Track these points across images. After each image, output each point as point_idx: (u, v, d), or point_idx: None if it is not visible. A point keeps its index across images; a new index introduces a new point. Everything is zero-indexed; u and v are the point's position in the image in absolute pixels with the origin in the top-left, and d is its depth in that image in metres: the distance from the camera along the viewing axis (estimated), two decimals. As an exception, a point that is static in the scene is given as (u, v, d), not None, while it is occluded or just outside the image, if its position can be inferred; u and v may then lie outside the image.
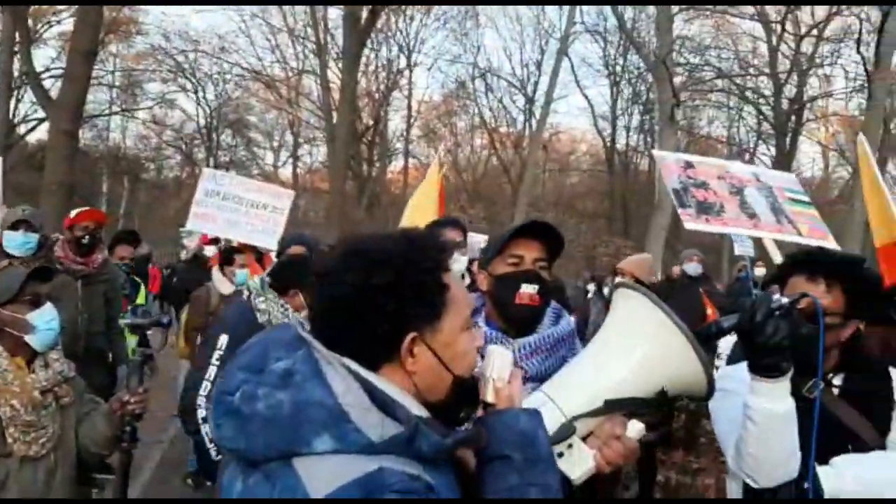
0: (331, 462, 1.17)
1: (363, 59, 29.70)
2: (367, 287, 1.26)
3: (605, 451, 1.67)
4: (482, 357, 1.51)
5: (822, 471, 2.06)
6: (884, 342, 4.63)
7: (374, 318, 1.27)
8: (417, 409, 1.28)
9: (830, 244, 4.55)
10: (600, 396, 1.68)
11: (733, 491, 2.29)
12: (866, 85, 17.61)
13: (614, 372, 1.71)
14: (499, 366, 1.48)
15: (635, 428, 1.71)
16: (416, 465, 1.21)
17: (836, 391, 2.23)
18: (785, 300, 1.92)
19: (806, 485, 2.04)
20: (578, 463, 1.67)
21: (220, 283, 6.01)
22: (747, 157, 33.07)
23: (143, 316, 3.18)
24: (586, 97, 37.23)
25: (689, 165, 4.61)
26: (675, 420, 6.76)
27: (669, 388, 1.72)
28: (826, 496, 2.04)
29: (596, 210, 36.71)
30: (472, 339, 1.41)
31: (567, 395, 1.70)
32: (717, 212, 4.36)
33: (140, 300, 6.29)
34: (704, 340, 1.91)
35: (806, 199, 4.88)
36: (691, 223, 4.28)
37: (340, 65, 27.20)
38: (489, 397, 1.45)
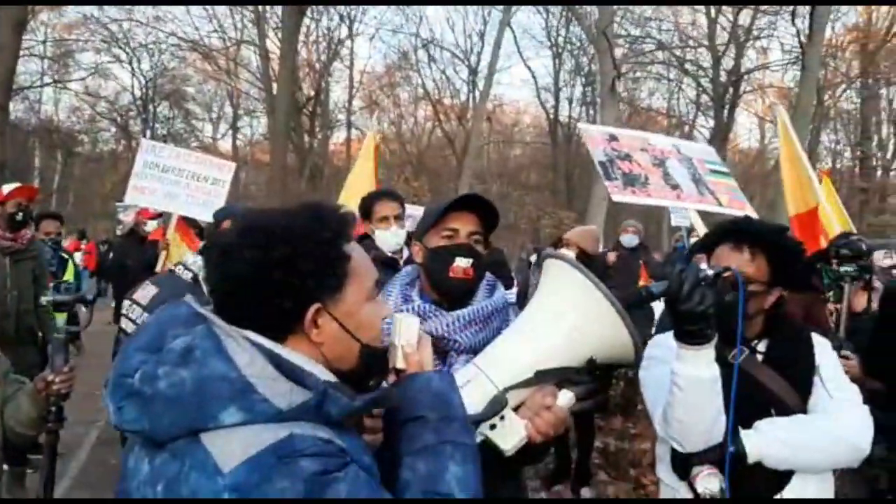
0: (240, 434, 1.16)
1: (303, 29, 29.17)
2: (265, 262, 1.25)
3: (537, 422, 1.70)
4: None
5: (745, 434, 2.11)
6: (805, 309, 4.79)
7: (273, 292, 1.26)
8: (326, 376, 1.28)
9: (749, 213, 4.66)
10: (531, 367, 1.70)
11: (661, 455, 2.32)
12: (800, 57, 17.98)
13: (544, 342, 1.73)
14: (406, 332, 1.49)
15: (566, 397, 1.74)
16: (327, 430, 1.22)
17: (759, 357, 2.28)
18: (710, 270, 1.95)
19: (731, 448, 2.08)
20: (510, 434, 1.69)
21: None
22: (687, 128, 33.67)
23: (66, 293, 3.07)
24: (529, 68, 37.48)
25: (613, 138, 4.67)
26: (612, 388, 6.92)
27: (598, 356, 1.74)
28: (749, 459, 2.09)
29: (540, 182, 36.97)
30: (378, 308, 1.42)
31: (498, 368, 1.72)
32: (643, 183, 4.43)
33: (68, 276, 6.12)
34: (634, 306, 1.94)
35: (725, 169, 5.01)
36: (618, 195, 4.34)
37: (280, 34, 26.63)
38: (399, 363, 1.46)
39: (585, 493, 5.53)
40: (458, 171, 27.89)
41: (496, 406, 1.65)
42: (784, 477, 2.14)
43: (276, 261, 1.25)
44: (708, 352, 1.98)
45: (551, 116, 36.29)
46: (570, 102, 36.71)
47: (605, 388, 5.17)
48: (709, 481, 2.07)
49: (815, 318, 4.92)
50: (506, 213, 25.44)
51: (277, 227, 1.30)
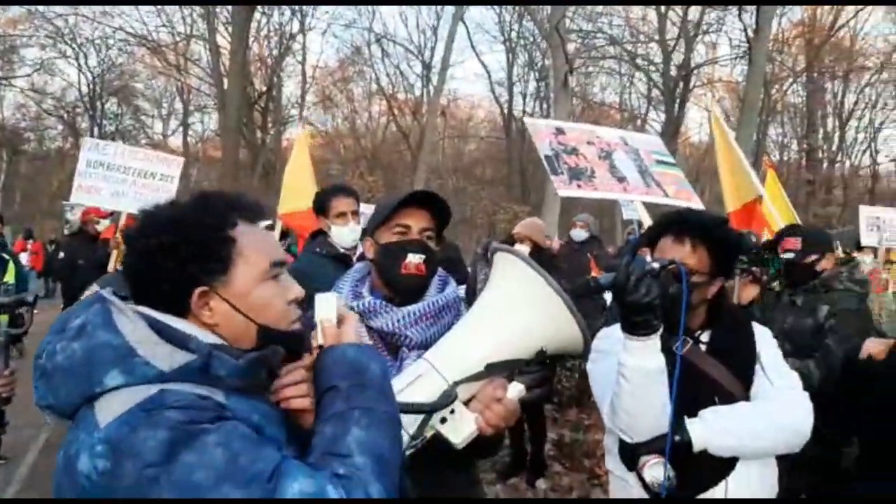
0: (121, 394, 1.23)
1: (254, 24, 28.85)
2: (151, 249, 1.34)
3: (487, 414, 1.72)
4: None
5: (690, 423, 2.14)
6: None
7: (160, 277, 1.35)
8: (212, 339, 1.35)
9: (695, 204, 4.72)
10: (482, 360, 1.72)
11: (610, 446, 2.35)
12: (748, 52, 18.32)
13: (494, 336, 1.75)
14: (323, 309, 1.50)
15: (516, 389, 1.76)
16: (212, 389, 1.28)
17: (703, 347, 2.31)
18: (656, 263, 1.98)
19: (676, 437, 2.11)
20: (461, 428, 1.70)
21: None
22: (639, 122, 34.09)
23: (5, 295, 2.99)
24: (483, 63, 37.44)
25: (559, 132, 4.65)
26: (567, 380, 6.99)
27: (548, 347, 1.76)
28: (695, 447, 2.12)
29: (495, 176, 37.10)
30: (278, 289, 1.45)
31: (449, 362, 1.73)
32: (589, 177, 4.43)
33: (8, 278, 5.95)
34: (581, 297, 1.96)
35: (671, 160, 5.02)
36: (564, 190, 4.33)
37: (230, 29, 26.26)
38: (319, 339, 1.48)
39: (541, 484, 5.58)
40: (414, 166, 27.82)
41: (446, 399, 1.66)
42: (728, 463, 2.18)
43: (161, 248, 1.33)
44: (654, 342, 2.01)
45: (505, 111, 36.46)
46: (524, 97, 37.00)
47: (552, 377, 5.20)
48: (655, 470, 2.10)
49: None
50: (461, 207, 25.49)
51: (164, 217, 1.38)
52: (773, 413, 2.19)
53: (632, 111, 36.15)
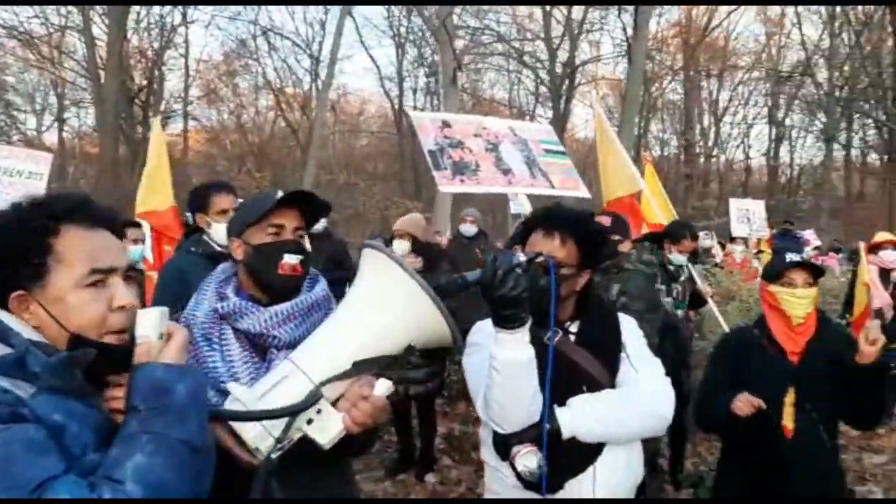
0: None
1: (132, 15, 27.70)
2: None
3: (353, 413, 1.71)
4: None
5: (560, 411, 2.21)
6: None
7: None
8: (34, 336, 1.41)
9: (581, 193, 4.79)
10: (348, 358, 1.71)
11: (485, 437, 2.39)
12: (627, 50, 18.98)
13: (362, 332, 1.74)
14: (143, 324, 1.49)
15: (383, 386, 1.75)
16: (21, 384, 1.32)
17: (572, 338, 2.38)
18: (523, 257, 2.02)
19: (546, 425, 2.17)
20: (328, 428, 1.69)
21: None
22: (527, 119, 34.75)
23: None
24: (372, 58, 37.39)
25: (445, 124, 4.58)
26: (456, 373, 7.05)
27: (416, 342, 1.77)
28: (564, 435, 2.19)
29: (387, 172, 37.00)
30: (97, 295, 1.47)
31: (314, 361, 1.71)
32: (473, 171, 4.39)
33: None
34: (450, 294, 1.98)
35: (560, 149, 5.04)
36: (446, 185, 4.28)
37: (107, 21, 25.11)
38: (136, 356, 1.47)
39: (430, 478, 5.61)
40: (303, 162, 27.40)
41: (310, 400, 1.64)
42: (596, 449, 2.26)
43: None
44: (523, 335, 2.05)
45: (396, 106, 36.41)
46: (415, 92, 37.02)
47: (441, 372, 5.23)
48: (527, 459, 2.15)
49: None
50: (352, 203, 25.28)
51: None
52: (637, 400, 2.28)
53: (520, 108, 36.80)
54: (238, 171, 29.10)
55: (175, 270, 3.66)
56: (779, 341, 3.07)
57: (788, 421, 2.96)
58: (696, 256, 6.89)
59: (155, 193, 6.50)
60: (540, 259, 2.13)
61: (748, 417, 2.98)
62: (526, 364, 2.08)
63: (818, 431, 2.97)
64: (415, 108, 35.96)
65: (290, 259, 2.01)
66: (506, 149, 4.73)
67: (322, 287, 2.13)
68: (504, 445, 2.23)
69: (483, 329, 2.33)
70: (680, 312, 5.38)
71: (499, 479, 2.34)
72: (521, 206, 9.59)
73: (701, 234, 12.33)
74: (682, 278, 5.44)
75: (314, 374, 1.68)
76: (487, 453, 2.38)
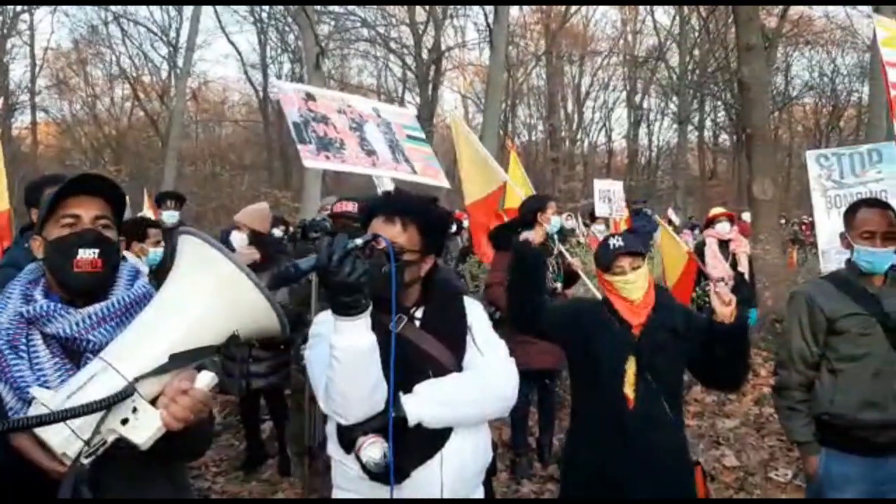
0: None
1: (-33, -1, 25.65)
2: None
3: (172, 408, 1.58)
4: None
5: (405, 399, 2.16)
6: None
7: None
8: None
9: (441, 182, 4.76)
10: (165, 352, 1.59)
11: (330, 432, 2.31)
12: (489, 36, 19.20)
13: (179, 324, 1.62)
14: None
15: (205, 379, 1.64)
16: None
17: (417, 324, 2.33)
18: (359, 241, 1.94)
19: (391, 413, 2.11)
20: (144, 426, 1.56)
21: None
22: (396, 105, 34.63)
23: None
24: (233, 44, 36.11)
25: (309, 97, 4.33)
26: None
27: (242, 331, 1.67)
28: (410, 422, 2.14)
29: (255, 161, 36.01)
30: None
31: (127, 356, 1.58)
32: (338, 149, 4.18)
33: None
34: (284, 282, 1.89)
35: (422, 136, 4.94)
36: (310, 161, 4.04)
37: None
38: None
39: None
40: (164, 153, 26.21)
41: (120, 395, 1.51)
42: (443, 435, 2.22)
43: None
44: (363, 321, 1.98)
45: (261, 94, 35.50)
46: (279, 79, 36.11)
47: (289, 363, 5.08)
48: (372, 450, 2.09)
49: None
50: (217, 194, 24.46)
51: None
52: (482, 382, 2.26)
53: (389, 94, 36.66)
54: (94, 165, 27.58)
55: (9, 268, 3.37)
56: (622, 316, 3.15)
57: (630, 391, 3.03)
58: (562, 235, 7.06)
59: None
60: (380, 244, 2.06)
61: (595, 388, 3.06)
62: (367, 352, 2.01)
63: (659, 402, 3.05)
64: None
65: (85, 253, 1.83)
66: (370, 129, 4.55)
67: (142, 284, 1.97)
68: (348, 437, 2.16)
69: (326, 320, 2.23)
70: (559, 285, 5.56)
71: (343, 472, 2.27)
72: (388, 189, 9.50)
73: (563, 216, 12.69)
74: (556, 252, 5.62)
75: (127, 370, 1.55)
76: (333, 447, 2.30)
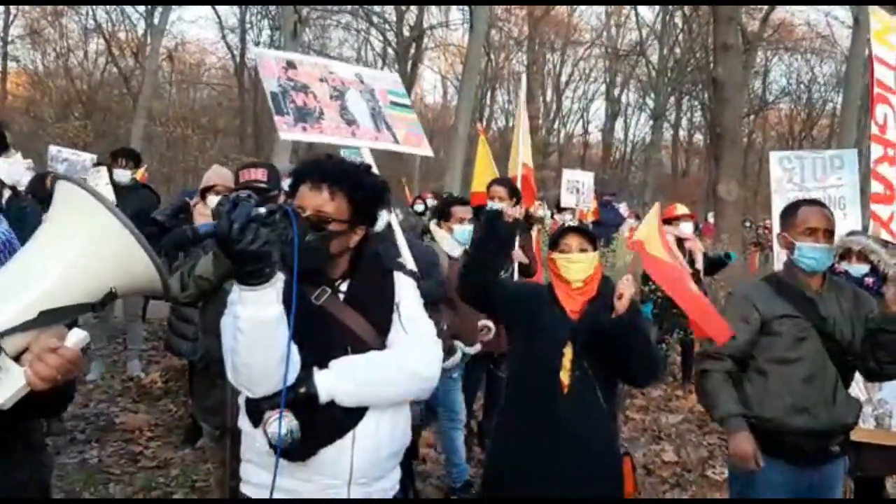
0: None
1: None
2: None
3: (37, 367, 1.48)
4: None
5: (318, 374, 2.08)
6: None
7: None
8: None
9: (424, 150, 4.62)
10: (34, 307, 1.47)
11: (242, 405, 2.21)
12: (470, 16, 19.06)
13: (49, 277, 1.50)
14: None
15: (76, 337, 1.53)
16: None
17: (342, 297, 2.24)
18: (263, 209, 1.84)
19: (301, 389, 2.03)
20: (7, 385, 1.47)
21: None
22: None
23: None
24: (213, 7, 35.37)
25: (290, 65, 4.17)
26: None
27: (119, 287, 1.57)
28: (321, 398, 2.06)
29: (228, 127, 35.49)
30: None
31: None
32: (316, 118, 4.05)
33: None
34: (180, 246, 1.79)
35: (406, 102, 4.75)
36: (287, 133, 3.92)
37: None
38: None
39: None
40: (134, 112, 25.71)
41: None
42: (358, 413, 2.14)
43: None
44: (269, 291, 1.89)
45: (237, 59, 34.95)
46: (257, 45, 35.56)
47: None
48: (276, 425, 2.00)
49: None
50: (186, 156, 24.12)
51: None
52: (401, 361, 2.18)
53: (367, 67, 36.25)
54: (62, 119, 27.01)
55: None
56: (560, 301, 3.11)
57: (565, 377, 3.00)
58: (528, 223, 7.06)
59: None
60: (284, 209, 1.96)
61: (531, 370, 3.05)
62: (272, 322, 1.92)
63: (593, 390, 3.02)
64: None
65: None
66: (352, 97, 4.37)
67: (3, 229, 1.84)
68: (256, 411, 2.08)
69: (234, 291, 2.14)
70: (504, 273, 5.48)
71: (251, 445, 2.19)
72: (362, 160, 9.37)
73: (535, 203, 12.65)
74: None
75: None
76: (243, 420, 2.21)
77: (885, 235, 3.05)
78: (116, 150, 7.58)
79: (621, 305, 2.87)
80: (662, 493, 5.14)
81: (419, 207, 12.63)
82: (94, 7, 32.04)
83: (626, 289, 2.90)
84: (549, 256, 3.21)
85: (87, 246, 1.50)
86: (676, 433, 6.43)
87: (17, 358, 1.48)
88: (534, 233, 6.54)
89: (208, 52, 37.66)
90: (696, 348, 8.02)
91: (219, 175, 5.32)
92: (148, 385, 6.80)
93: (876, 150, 3.06)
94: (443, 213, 5.00)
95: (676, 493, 5.14)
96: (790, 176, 6.04)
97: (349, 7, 31.66)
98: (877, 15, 3.51)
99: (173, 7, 25.45)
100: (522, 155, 6.42)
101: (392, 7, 32.42)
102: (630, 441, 6.00)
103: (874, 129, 3.12)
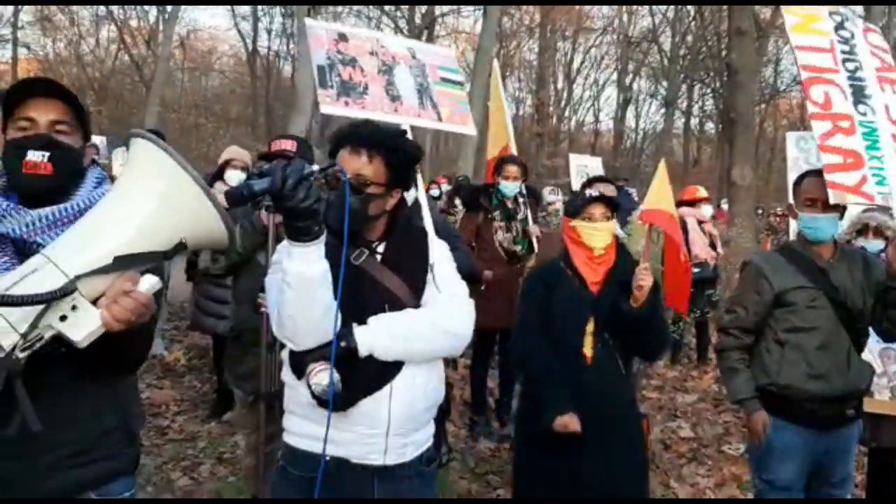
0: None
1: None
2: None
3: (112, 308, 1.58)
4: None
5: (357, 329, 2.17)
6: (476, 226, 5.27)
7: None
8: None
9: (469, 129, 4.64)
10: (110, 253, 1.57)
11: (285, 358, 2.31)
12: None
13: (125, 226, 1.61)
14: None
15: (149, 282, 1.64)
16: None
17: (378, 258, 2.33)
18: (316, 167, 1.93)
19: (342, 343, 2.12)
20: (83, 324, 1.56)
21: None
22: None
23: None
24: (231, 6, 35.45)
25: (342, 38, 4.15)
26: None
27: (189, 239, 1.67)
28: (360, 352, 2.15)
29: (240, 115, 35.63)
30: None
31: (69, 254, 1.57)
32: (360, 93, 4.05)
33: None
34: (237, 203, 1.87)
35: (459, 79, 4.70)
36: (329, 106, 3.91)
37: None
38: None
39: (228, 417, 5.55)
40: (147, 99, 25.84)
41: (62, 290, 1.51)
42: (394, 367, 2.23)
43: None
44: (315, 248, 1.97)
45: (250, 47, 35.04)
46: (270, 33, 35.70)
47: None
48: (321, 377, 2.10)
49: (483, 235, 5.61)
50: (199, 144, 24.25)
51: None
52: (436, 318, 2.27)
53: (380, 56, 36.20)
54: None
55: None
56: (580, 272, 3.19)
57: (588, 348, 3.09)
58: (537, 200, 7.16)
59: None
60: (334, 169, 2.06)
61: (553, 344, 3.12)
62: (316, 279, 2.01)
63: (615, 359, 3.12)
64: (269, 49, 34.74)
65: (34, 156, 1.82)
66: (400, 72, 4.30)
67: (105, 190, 1.96)
68: (299, 364, 2.18)
69: (282, 246, 2.24)
70: (520, 248, 5.64)
71: (294, 397, 2.28)
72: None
73: (546, 189, 12.73)
74: (520, 217, 5.69)
75: (68, 267, 1.54)
76: (286, 373, 2.31)
77: (853, 199, 3.17)
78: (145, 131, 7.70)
79: (641, 295, 2.99)
80: (679, 466, 5.23)
81: (434, 192, 12.71)
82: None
83: (645, 279, 3.02)
84: (568, 224, 3.27)
85: (163, 200, 1.60)
86: (692, 411, 6.51)
87: (94, 302, 1.58)
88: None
89: (220, 40, 37.80)
90: (712, 330, 8.15)
91: (236, 151, 5.46)
92: (172, 363, 6.95)
93: (821, 127, 3.22)
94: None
95: (693, 468, 5.22)
96: (806, 156, 6.10)
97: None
98: (790, 11, 3.66)
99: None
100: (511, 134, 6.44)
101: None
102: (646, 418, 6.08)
103: (814, 109, 3.29)
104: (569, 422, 3.09)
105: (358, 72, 4.11)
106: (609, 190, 4.47)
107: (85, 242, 1.59)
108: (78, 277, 1.53)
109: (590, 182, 4.09)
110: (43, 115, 1.85)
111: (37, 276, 1.52)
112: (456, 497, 4.56)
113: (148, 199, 1.61)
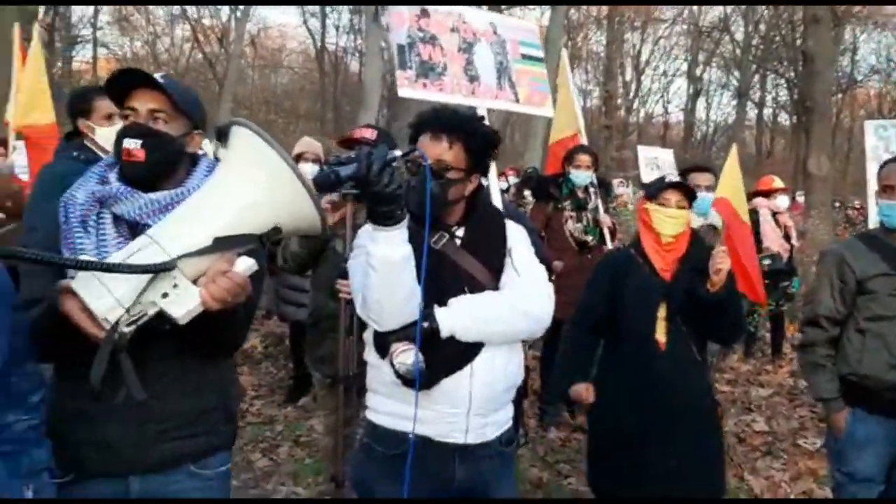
0: None
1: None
2: None
3: (211, 288, 1.67)
4: None
5: (439, 311, 2.23)
6: (546, 216, 5.28)
7: None
8: None
9: (545, 111, 4.60)
10: (209, 236, 1.67)
11: (368, 339, 2.39)
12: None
13: (223, 210, 1.70)
14: None
15: (245, 264, 1.72)
16: None
17: (458, 242, 2.39)
18: (398, 153, 1.99)
19: (425, 324, 2.18)
20: (183, 301, 1.65)
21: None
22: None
23: None
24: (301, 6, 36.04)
25: (424, 13, 4.07)
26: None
27: (283, 225, 1.75)
28: (442, 333, 2.21)
29: (309, 111, 36.22)
30: None
31: (172, 235, 1.67)
32: (438, 74, 4.03)
33: None
34: (325, 188, 1.95)
35: (539, 55, 4.57)
36: (407, 88, 3.86)
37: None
38: None
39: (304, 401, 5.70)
40: (220, 96, 26.49)
41: (164, 265, 1.60)
42: (475, 348, 2.28)
43: None
44: (399, 233, 2.03)
45: (318, 44, 35.56)
46: (338, 29, 36.15)
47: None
48: (404, 357, 2.16)
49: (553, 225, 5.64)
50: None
51: None
52: (515, 301, 2.31)
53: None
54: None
55: (53, 174, 3.41)
56: (650, 259, 3.19)
57: (661, 335, 3.10)
58: (607, 191, 7.11)
59: (34, 108, 6.23)
60: (415, 155, 2.12)
61: (626, 332, 3.14)
62: (400, 262, 2.07)
63: (688, 345, 3.11)
64: (337, 45, 35.16)
65: (129, 144, 1.93)
66: (480, 50, 4.19)
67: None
68: (383, 344, 2.24)
69: (365, 230, 2.31)
70: (590, 238, 5.64)
71: (377, 376, 2.35)
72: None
73: (615, 181, 12.65)
74: (591, 206, 5.71)
75: (171, 247, 1.63)
76: (370, 353, 2.39)
77: None
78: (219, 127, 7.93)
79: (718, 279, 2.98)
80: (753, 460, 5.16)
81: (503, 185, 12.73)
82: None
83: (723, 263, 3.00)
84: (642, 206, 3.27)
85: (260, 185, 1.68)
86: (767, 405, 6.40)
87: (194, 282, 1.68)
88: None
89: (289, 37, 38.46)
90: (787, 323, 7.98)
91: (308, 144, 5.58)
92: (249, 350, 7.15)
93: None
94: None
95: (768, 461, 5.14)
96: (886, 144, 5.91)
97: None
98: None
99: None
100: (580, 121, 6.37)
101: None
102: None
103: None
104: (584, 391, 3.22)
105: (438, 50, 4.03)
106: (705, 179, 4.44)
107: (186, 225, 1.69)
108: (179, 257, 1.63)
109: (687, 171, 4.06)
110: (142, 104, 1.96)
111: (141, 254, 1.62)
112: (527, 484, 4.60)
113: (246, 185, 1.70)
